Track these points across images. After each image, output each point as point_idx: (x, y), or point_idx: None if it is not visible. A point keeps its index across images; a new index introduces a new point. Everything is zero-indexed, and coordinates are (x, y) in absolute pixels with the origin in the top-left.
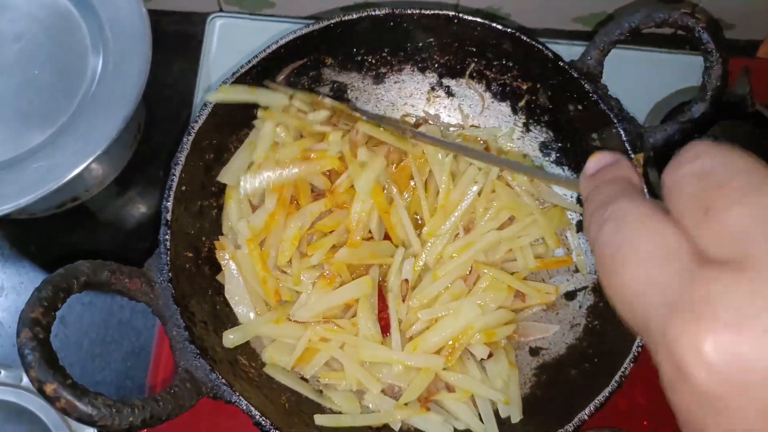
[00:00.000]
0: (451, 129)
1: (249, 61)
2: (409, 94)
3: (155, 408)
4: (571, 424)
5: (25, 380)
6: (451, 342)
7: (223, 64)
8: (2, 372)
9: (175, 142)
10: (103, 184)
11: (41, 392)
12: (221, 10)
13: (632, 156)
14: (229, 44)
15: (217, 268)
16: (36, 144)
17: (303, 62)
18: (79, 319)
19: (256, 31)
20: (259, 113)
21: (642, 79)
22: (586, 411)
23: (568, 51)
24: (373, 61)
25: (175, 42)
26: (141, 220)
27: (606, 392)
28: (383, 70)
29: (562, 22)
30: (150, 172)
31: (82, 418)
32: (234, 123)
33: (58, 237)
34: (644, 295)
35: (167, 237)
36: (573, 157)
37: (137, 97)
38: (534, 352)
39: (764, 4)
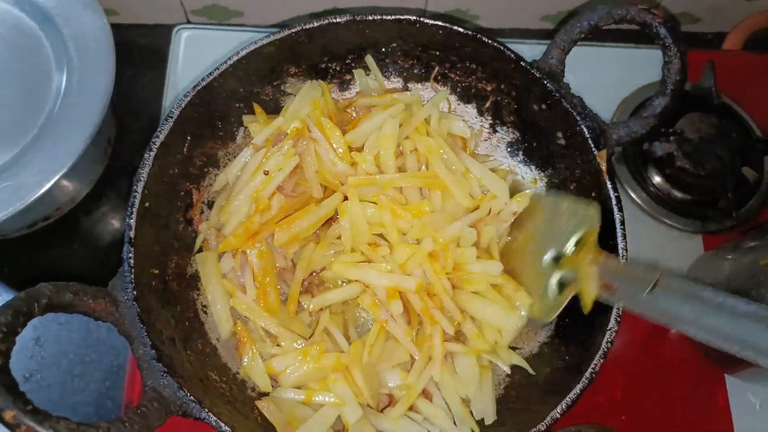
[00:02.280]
0: None
1: (210, 73)
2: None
3: (122, 429)
4: (543, 423)
5: None
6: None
7: (190, 74)
8: None
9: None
10: (75, 201)
11: (0, 420)
12: (189, 22)
13: (596, 153)
14: (196, 55)
15: (185, 283)
16: (1, 164)
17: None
18: (56, 339)
19: (222, 41)
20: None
21: (609, 75)
22: (558, 410)
23: (536, 49)
24: (338, 69)
25: (145, 55)
26: (115, 235)
27: (577, 389)
28: (348, 76)
29: (530, 21)
30: (122, 187)
31: None
32: (198, 137)
33: (32, 256)
34: None
35: (131, 255)
36: (539, 156)
37: (102, 112)
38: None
39: None
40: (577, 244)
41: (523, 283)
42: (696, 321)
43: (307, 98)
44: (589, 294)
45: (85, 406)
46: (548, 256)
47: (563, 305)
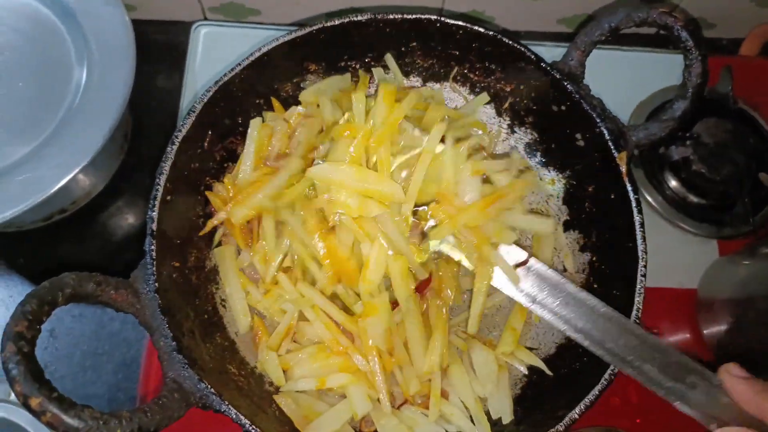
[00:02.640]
0: None
1: (232, 69)
2: None
3: (143, 419)
4: (561, 424)
5: (13, 395)
6: None
7: (208, 71)
8: None
9: (160, 151)
10: (91, 195)
11: (26, 406)
12: (206, 19)
13: (615, 155)
14: (214, 52)
15: (205, 276)
16: (21, 156)
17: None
18: (69, 332)
19: (240, 39)
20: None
21: (625, 79)
22: (576, 410)
23: (552, 52)
24: (358, 66)
25: (162, 51)
26: (129, 230)
27: (595, 391)
28: (367, 75)
29: (545, 24)
30: (137, 182)
31: (69, 431)
32: (220, 131)
33: (47, 249)
34: None
35: (153, 247)
36: (557, 157)
37: (122, 107)
38: None
39: (745, 3)
40: None
41: None
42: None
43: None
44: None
45: (98, 399)
46: None
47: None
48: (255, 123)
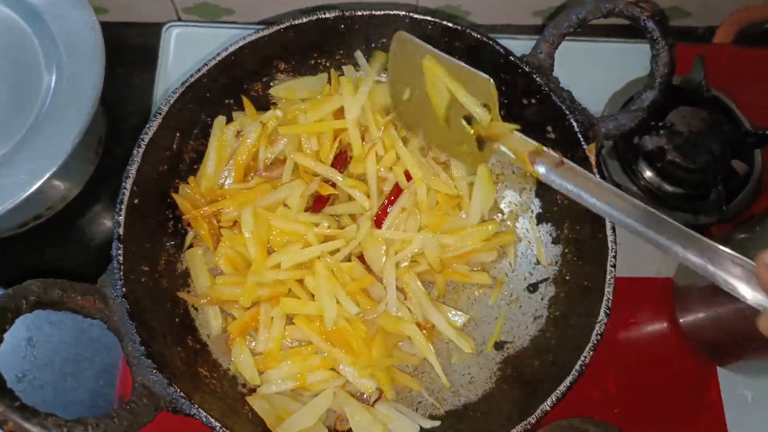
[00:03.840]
0: None
1: (199, 69)
2: None
3: (110, 425)
4: (533, 416)
5: None
6: None
7: (180, 72)
8: None
9: None
10: (66, 200)
11: None
12: (180, 20)
13: (585, 146)
14: (187, 53)
15: (175, 280)
16: None
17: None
18: (48, 339)
19: (213, 39)
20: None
21: (599, 70)
22: (548, 402)
23: (527, 45)
24: (328, 65)
25: (137, 53)
26: (107, 234)
27: (567, 382)
28: (338, 73)
29: (521, 17)
30: (113, 186)
31: None
32: (189, 133)
33: (23, 256)
34: None
35: (120, 252)
36: None
37: (91, 110)
38: (498, 346)
39: None
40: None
41: (434, 138)
42: (579, 192)
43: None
44: (518, 160)
45: (79, 405)
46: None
47: (490, 157)
48: (218, 122)
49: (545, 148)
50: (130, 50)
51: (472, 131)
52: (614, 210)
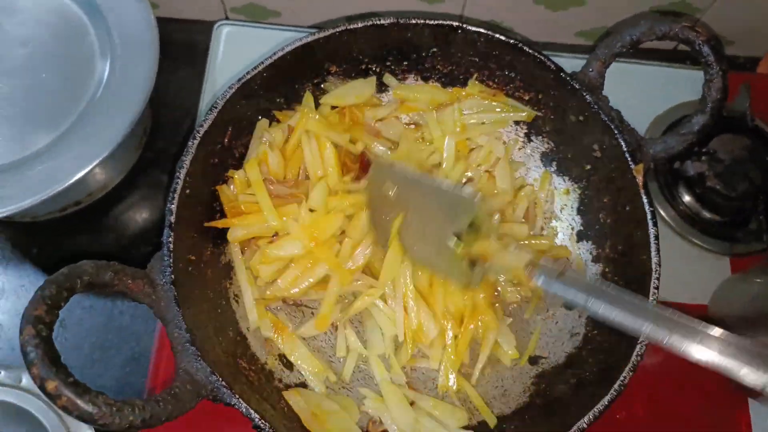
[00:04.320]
0: None
1: (255, 67)
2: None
3: (155, 408)
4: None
5: (25, 381)
6: None
7: (228, 70)
8: (2, 372)
9: (178, 147)
10: (107, 189)
11: (42, 389)
12: (227, 19)
13: (632, 167)
14: (235, 51)
15: (219, 271)
16: (41, 147)
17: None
18: (79, 323)
19: (262, 39)
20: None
21: (643, 93)
22: (585, 420)
23: (570, 63)
24: (377, 70)
25: (181, 49)
26: (143, 224)
27: (605, 401)
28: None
29: (564, 36)
30: (153, 177)
31: (83, 416)
32: (239, 128)
33: (60, 240)
34: None
35: (170, 239)
36: (573, 168)
37: (143, 102)
38: (533, 360)
39: (764, 22)
40: (470, 226)
41: (430, 262)
42: (586, 302)
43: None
44: (516, 278)
45: (106, 391)
46: (451, 241)
47: (482, 277)
48: (261, 124)
49: (543, 258)
50: (174, 46)
51: (459, 250)
52: (629, 317)
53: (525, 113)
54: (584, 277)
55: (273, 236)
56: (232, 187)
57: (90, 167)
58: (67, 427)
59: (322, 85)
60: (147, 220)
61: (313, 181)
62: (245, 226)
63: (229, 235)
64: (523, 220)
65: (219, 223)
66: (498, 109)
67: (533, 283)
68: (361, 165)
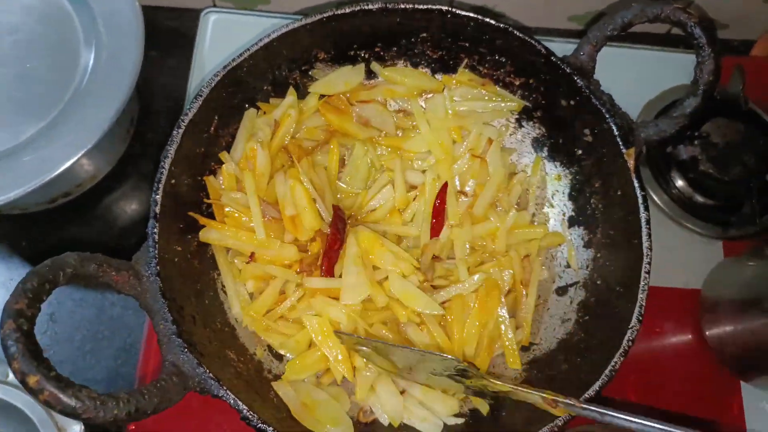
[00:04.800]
0: None
1: (241, 54)
2: None
3: (141, 401)
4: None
5: (12, 376)
6: None
7: (216, 58)
8: None
9: (167, 137)
10: (96, 179)
11: (24, 384)
12: (215, 6)
13: (624, 151)
14: (223, 39)
15: (206, 262)
16: (28, 136)
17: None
18: (69, 316)
19: (249, 26)
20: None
21: (635, 77)
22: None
23: (562, 48)
24: (366, 56)
25: (170, 38)
26: (133, 215)
27: (596, 386)
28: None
29: (556, 20)
30: (142, 167)
31: (66, 410)
32: (226, 117)
33: (50, 232)
34: None
35: (155, 230)
36: (564, 153)
37: (129, 89)
38: (525, 347)
39: (757, 5)
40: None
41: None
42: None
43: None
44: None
45: (97, 383)
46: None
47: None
48: (249, 114)
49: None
50: (161, 34)
51: (467, 385)
52: None
53: (515, 103)
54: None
55: (250, 257)
56: (220, 178)
57: (78, 156)
58: (55, 421)
59: (310, 72)
60: (136, 210)
61: (285, 222)
62: (222, 237)
63: (202, 235)
64: (517, 206)
65: (201, 220)
66: (487, 98)
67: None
68: (334, 219)
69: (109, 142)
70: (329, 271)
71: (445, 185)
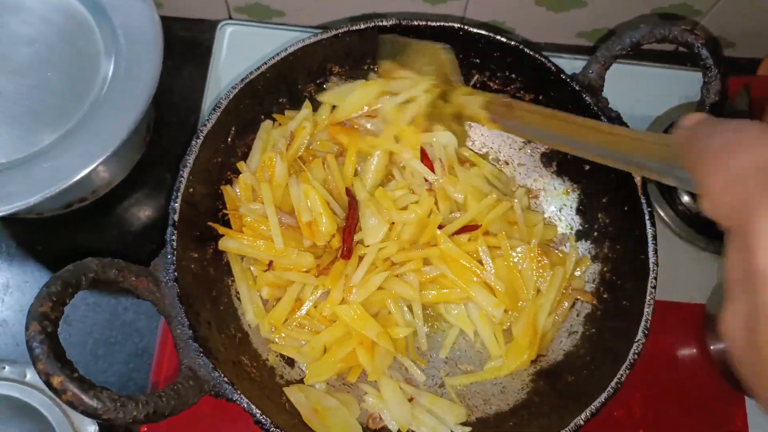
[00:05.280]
0: None
1: (258, 68)
2: None
3: (158, 403)
4: (566, 429)
5: (29, 376)
6: None
7: (232, 70)
8: (6, 368)
9: (182, 146)
10: (111, 185)
11: (48, 385)
12: (231, 18)
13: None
14: (239, 51)
15: (221, 269)
16: (46, 144)
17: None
18: (83, 320)
19: (265, 39)
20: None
21: (643, 94)
22: (582, 416)
23: (571, 65)
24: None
25: (186, 48)
26: (146, 222)
27: (602, 398)
28: None
29: (565, 37)
30: (157, 175)
31: (88, 411)
32: (243, 128)
33: (64, 237)
34: None
35: (174, 237)
36: (572, 168)
37: (147, 101)
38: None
39: (765, 24)
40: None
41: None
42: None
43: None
44: (480, 121)
45: (109, 386)
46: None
47: (465, 132)
48: (265, 126)
49: (492, 96)
50: (179, 45)
51: (447, 106)
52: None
53: None
54: (531, 106)
55: (268, 265)
56: (236, 188)
57: (94, 165)
58: (71, 422)
59: (325, 86)
60: (150, 217)
61: (303, 228)
62: (240, 247)
63: (221, 244)
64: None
65: (220, 229)
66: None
67: (490, 124)
68: (349, 202)
69: (125, 150)
70: (348, 255)
71: None
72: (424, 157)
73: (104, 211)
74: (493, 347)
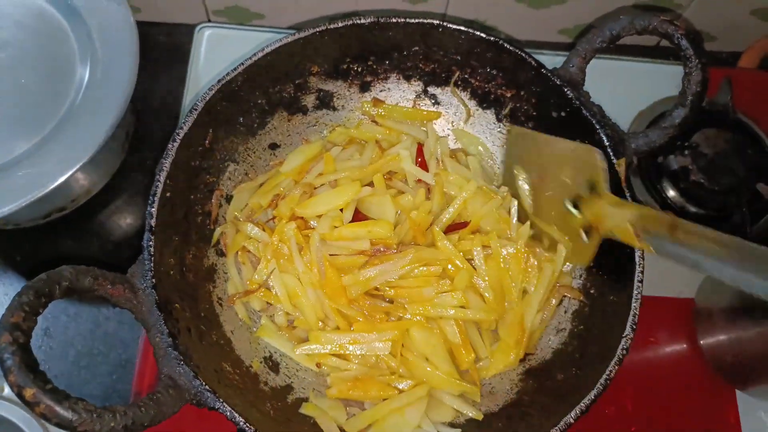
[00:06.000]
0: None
1: (235, 68)
2: (395, 102)
3: (137, 414)
4: (556, 428)
5: (7, 390)
6: None
7: (211, 72)
8: None
9: (162, 152)
10: (91, 194)
11: (20, 397)
12: (210, 21)
13: (614, 161)
14: (217, 53)
15: (202, 275)
16: (22, 151)
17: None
18: (64, 331)
19: (244, 41)
20: None
21: (625, 89)
22: (572, 414)
23: (552, 60)
24: (359, 70)
25: (164, 53)
26: (127, 229)
27: (591, 395)
28: (369, 78)
29: (547, 34)
30: (137, 181)
31: (62, 423)
32: (221, 130)
33: (44, 247)
34: None
35: (151, 243)
36: None
37: (124, 105)
38: (521, 358)
39: (745, 17)
40: (591, 188)
41: (557, 228)
42: (710, 263)
43: None
44: (624, 238)
45: (92, 398)
46: (568, 203)
47: (595, 249)
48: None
49: (650, 211)
50: (158, 49)
51: (578, 216)
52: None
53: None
54: (701, 230)
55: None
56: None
57: (72, 171)
58: None
59: (305, 86)
60: (131, 224)
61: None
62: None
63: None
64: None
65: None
66: None
67: (641, 244)
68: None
69: (104, 156)
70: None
71: None
72: (419, 154)
73: (84, 220)
74: (480, 349)
